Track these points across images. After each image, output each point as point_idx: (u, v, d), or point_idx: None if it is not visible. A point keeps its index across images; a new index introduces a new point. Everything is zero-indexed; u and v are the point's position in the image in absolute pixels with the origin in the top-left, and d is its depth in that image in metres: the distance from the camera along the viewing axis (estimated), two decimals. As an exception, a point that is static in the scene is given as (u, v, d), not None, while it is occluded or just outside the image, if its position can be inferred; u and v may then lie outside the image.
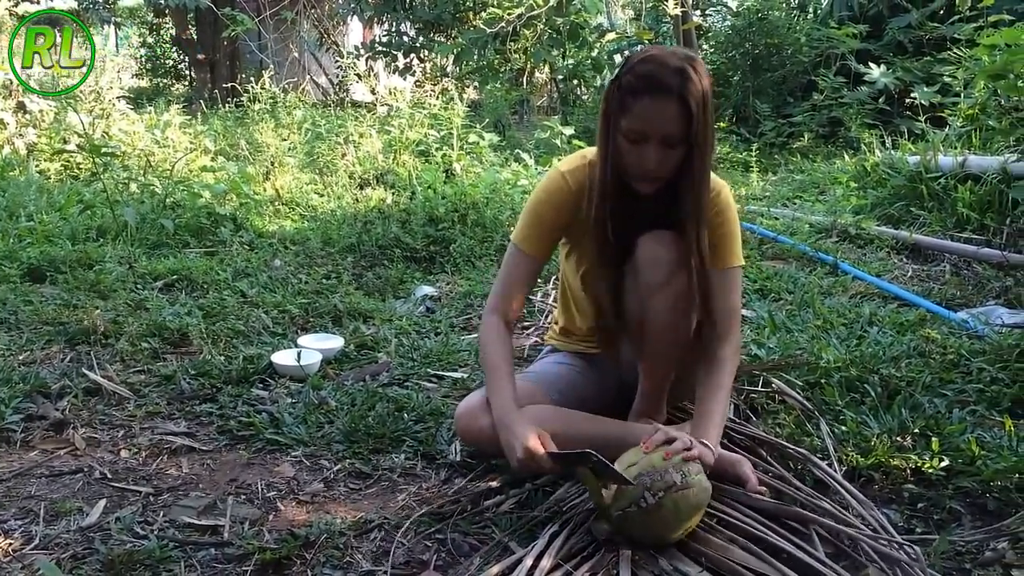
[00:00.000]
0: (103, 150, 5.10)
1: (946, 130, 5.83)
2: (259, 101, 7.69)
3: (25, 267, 3.81)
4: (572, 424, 1.96)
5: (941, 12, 8.20)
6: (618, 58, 10.95)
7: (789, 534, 1.67)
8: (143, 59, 17.50)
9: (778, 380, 2.46)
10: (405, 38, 11.83)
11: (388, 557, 1.69)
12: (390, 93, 8.05)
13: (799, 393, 2.39)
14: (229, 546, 1.71)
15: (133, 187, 5.28)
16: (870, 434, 2.11)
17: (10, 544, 1.71)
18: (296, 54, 12.01)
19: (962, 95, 5.95)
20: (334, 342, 2.94)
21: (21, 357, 2.81)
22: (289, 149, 6.62)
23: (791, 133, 8.58)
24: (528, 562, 1.56)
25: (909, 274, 3.98)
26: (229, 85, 10.43)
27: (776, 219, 5.19)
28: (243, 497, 1.96)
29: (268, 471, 2.09)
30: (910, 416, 2.20)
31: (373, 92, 8.52)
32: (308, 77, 12.45)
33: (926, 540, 1.73)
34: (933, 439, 2.04)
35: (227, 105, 8.95)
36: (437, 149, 6.39)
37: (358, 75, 9.60)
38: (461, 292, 3.69)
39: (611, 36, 10.27)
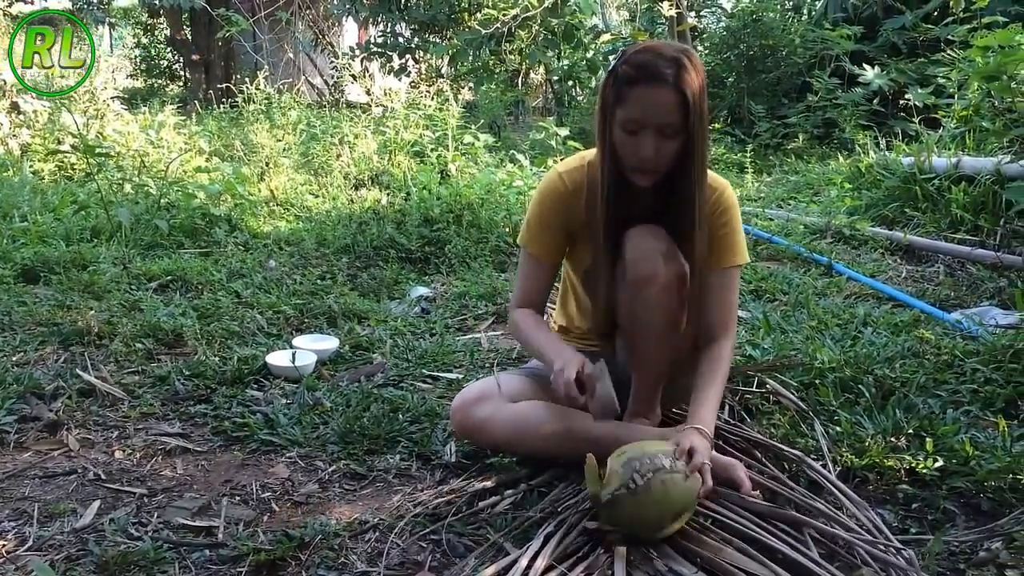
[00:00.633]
0: (97, 151, 5.09)
1: (940, 131, 5.85)
2: (254, 102, 7.69)
3: (19, 268, 3.80)
4: (568, 421, 1.96)
5: (935, 14, 8.23)
6: (613, 59, 10.95)
7: (783, 535, 1.67)
8: (137, 59, 17.46)
9: (773, 381, 2.46)
10: (400, 39, 11.83)
11: (383, 558, 1.69)
12: (385, 94, 8.04)
13: (793, 394, 2.39)
14: (223, 547, 1.71)
15: (127, 188, 5.28)
16: (864, 435, 2.11)
17: (4, 546, 1.71)
18: (291, 55, 12.00)
19: (956, 96, 5.97)
20: (329, 343, 2.93)
21: (15, 358, 2.81)
22: (284, 150, 6.61)
23: (786, 134, 8.59)
24: (523, 563, 1.56)
25: (903, 275, 3.99)
26: (224, 86, 10.41)
27: (771, 220, 5.20)
28: (238, 498, 1.95)
29: (263, 472, 2.09)
30: (904, 417, 2.20)
31: (368, 93, 8.51)
32: (303, 78, 12.42)
33: (920, 540, 1.73)
34: (927, 439, 2.04)
35: (222, 106, 8.94)
36: (432, 150, 6.39)
37: (353, 76, 9.59)
38: (456, 293, 3.69)
39: (606, 37, 10.28)
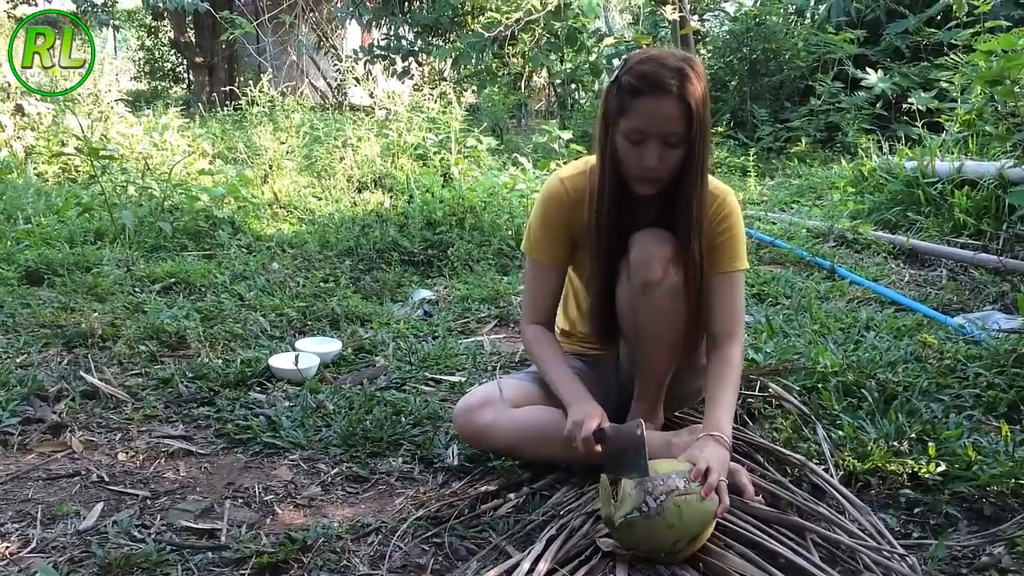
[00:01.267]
0: (101, 153, 5.10)
1: (943, 135, 5.85)
2: (257, 104, 7.69)
3: (23, 270, 3.81)
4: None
5: (938, 18, 8.23)
6: (616, 62, 10.96)
7: (786, 539, 1.67)
8: (141, 62, 17.51)
9: (775, 385, 2.46)
10: (403, 42, 11.84)
11: (385, 561, 1.70)
12: (388, 97, 8.05)
13: (796, 398, 2.39)
14: (226, 550, 1.71)
15: (131, 190, 5.29)
16: (867, 439, 2.11)
17: (7, 548, 1.71)
18: (294, 57, 12.02)
19: (959, 100, 5.97)
20: (332, 346, 2.94)
21: (18, 360, 2.81)
22: (287, 152, 6.62)
23: (788, 138, 8.60)
24: (525, 566, 1.56)
25: (906, 279, 3.99)
26: (227, 88, 10.44)
27: (773, 224, 5.20)
28: (240, 501, 1.96)
29: (265, 475, 2.09)
30: (907, 421, 2.20)
31: (371, 96, 8.52)
32: (306, 80, 12.46)
33: (922, 545, 1.74)
34: (930, 444, 2.04)
35: (225, 108, 8.95)
36: (435, 153, 6.40)
37: (356, 79, 9.60)
38: (459, 296, 3.69)
39: (609, 40, 10.27)
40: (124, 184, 5.38)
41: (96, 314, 3.19)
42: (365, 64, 11.68)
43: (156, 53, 17.58)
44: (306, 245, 4.47)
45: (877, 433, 2.15)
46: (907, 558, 1.61)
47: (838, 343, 2.87)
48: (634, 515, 1.59)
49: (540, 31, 9.54)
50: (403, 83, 11.21)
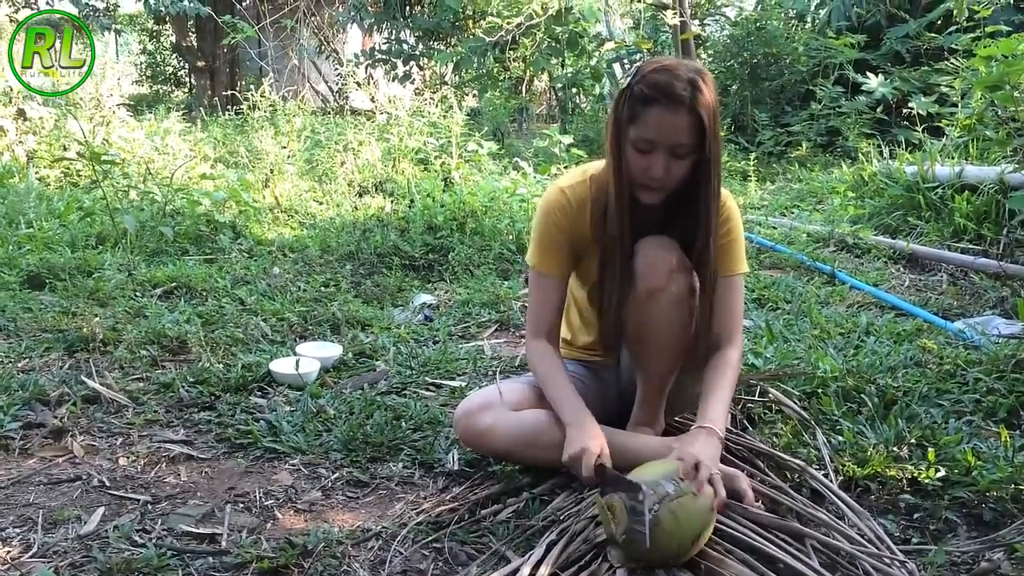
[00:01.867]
0: (103, 157, 5.11)
1: (943, 140, 5.85)
2: (259, 108, 7.71)
3: (24, 274, 3.82)
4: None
5: (939, 22, 8.24)
6: (617, 67, 10.98)
7: (785, 544, 1.67)
8: (143, 66, 17.54)
9: (775, 390, 2.47)
10: (405, 46, 11.86)
11: (385, 566, 1.70)
12: (389, 101, 8.06)
13: (796, 403, 2.39)
14: (227, 555, 1.72)
15: (133, 194, 5.30)
16: (867, 444, 2.11)
17: (8, 552, 1.72)
18: (296, 61, 12.04)
19: (959, 105, 5.97)
20: (332, 350, 2.94)
21: (20, 364, 2.82)
22: (288, 157, 6.64)
23: (789, 142, 8.61)
24: (525, 571, 1.57)
25: (906, 284, 4.00)
26: (229, 92, 10.47)
27: (774, 228, 5.21)
28: (241, 505, 1.96)
29: (266, 479, 2.10)
30: (907, 426, 2.20)
31: (372, 100, 8.54)
32: (308, 85, 12.49)
33: (922, 551, 1.74)
34: (929, 449, 2.04)
35: (227, 112, 8.97)
36: (436, 157, 6.41)
37: (357, 83, 9.62)
38: (459, 300, 3.70)
39: (610, 45, 10.30)
40: (126, 188, 5.39)
41: (97, 318, 3.20)
42: (366, 68, 11.71)
43: (158, 57, 17.60)
44: (307, 249, 4.48)
45: (877, 438, 2.15)
46: (906, 564, 1.61)
47: (838, 348, 2.88)
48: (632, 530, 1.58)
49: (541, 35, 9.56)
50: (404, 87, 11.24)
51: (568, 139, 7.18)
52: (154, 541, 1.76)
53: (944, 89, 6.56)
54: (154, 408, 2.49)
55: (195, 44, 14.19)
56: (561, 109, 11.04)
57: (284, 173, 6.20)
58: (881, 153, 6.49)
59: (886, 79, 8.17)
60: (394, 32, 12.08)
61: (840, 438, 2.17)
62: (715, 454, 1.76)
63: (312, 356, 2.83)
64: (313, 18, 12.38)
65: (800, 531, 1.72)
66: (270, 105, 7.78)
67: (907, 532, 1.83)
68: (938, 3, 8.23)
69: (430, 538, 1.80)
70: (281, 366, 2.73)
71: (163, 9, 11.70)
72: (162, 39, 17.32)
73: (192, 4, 11.72)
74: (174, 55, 16.63)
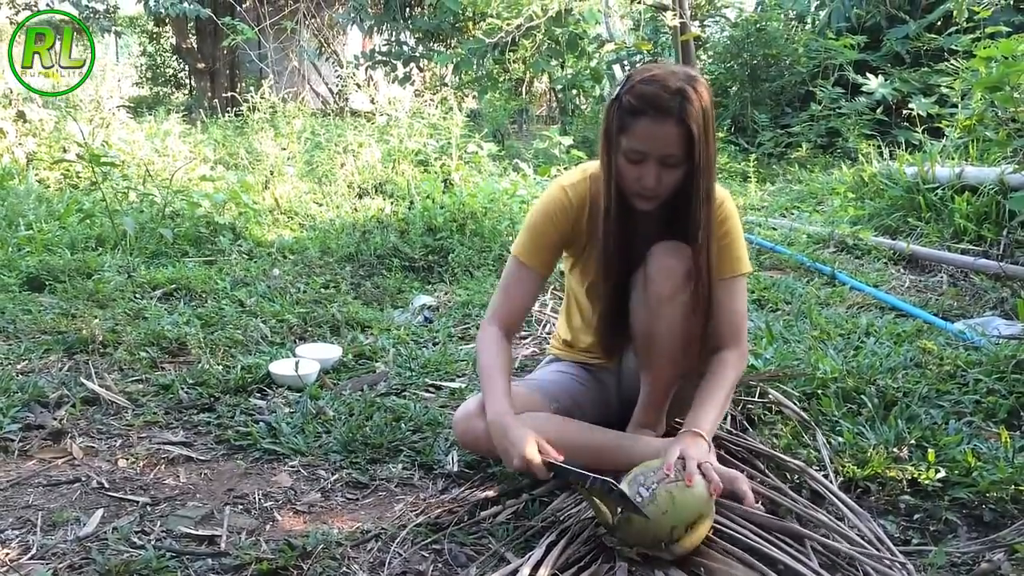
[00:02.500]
0: (103, 159, 5.11)
1: (943, 141, 5.85)
2: (258, 110, 7.71)
3: (24, 276, 3.82)
4: (569, 433, 1.96)
5: (939, 23, 8.24)
6: (617, 68, 10.98)
7: (785, 545, 1.67)
8: (143, 68, 17.54)
9: (775, 391, 2.46)
10: (405, 48, 11.86)
11: (385, 567, 1.70)
12: (389, 103, 8.07)
13: (796, 404, 2.39)
14: (226, 556, 1.72)
15: (132, 196, 5.30)
16: (867, 445, 2.11)
17: (7, 554, 1.72)
18: (296, 63, 12.04)
19: (959, 106, 5.97)
20: (332, 352, 2.94)
21: (19, 366, 2.82)
22: (288, 158, 6.64)
23: (789, 143, 8.61)
24: (525, 572, 1.57)
25: (906, 285, 3.99)
26: (229, 94, 10.46)
27: (774, 229, 5.21)
28: (240, 507, 1.96)
29: (266, 481, 2.09)
30: (907, 427, 2.20)
31: (372, 101, 8.54)
32: (308, 86, 12.48)
33: (922, 552, 1.74)
34: (929, 450, 2.04)
35: (227, 114, 8.97)
36: (436, 159, 6.41)
37: (357, 84, 9.62)
38: (459, 302, 3.70)
39: (610, 46, 10.30)
40: (125, 190, 5.38)
41: (97, 320, 3.20)
42: (366, 70, 11.70)
43: (158, 59, 17.61)
44: (307, 251, 4.48)
45: (877, 439, 2.15)
46: (906, 565, 1.61)
47: (838, 349, 2.87)
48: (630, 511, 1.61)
49: (541, 37, 9.56)
50: (404, 89, 11.24)
51: (568, 140, 7.19)
52: (153, 543, 1.76)
53: (944, 90, 6.57)
54: (153, 410, 2.49)
55: (195, 46, 14.19)
56: (561, 110, 11.04)
57: (284, 175, 6.20)
58: (881, 154, 6.49)
59: (886, 80, 8.17)
60: (394, 34, 12.08)
61: (840, 439, 2.17)
62: (701, 452, 1.75)
63: (312, 358, 2.83)
64: (313, 20, 12.38)
65: (800, 532, 1.72)
66: (270, 107, 7.79)
67: (907, 533, 1.83)
68: (938, 4, 8.24)
69: (429, 539, 1.80)
70: (281, 368, 2.73)
71: (163, 11, 11.72)
72: (162, 41, 17.33)
73: (192, 6, 11.73)
74: (174, 57, 16.63)
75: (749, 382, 2.51)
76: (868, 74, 8.27)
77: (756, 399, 2.47)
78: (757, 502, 1.83)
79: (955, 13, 7.06)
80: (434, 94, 8.68)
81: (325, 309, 3.47)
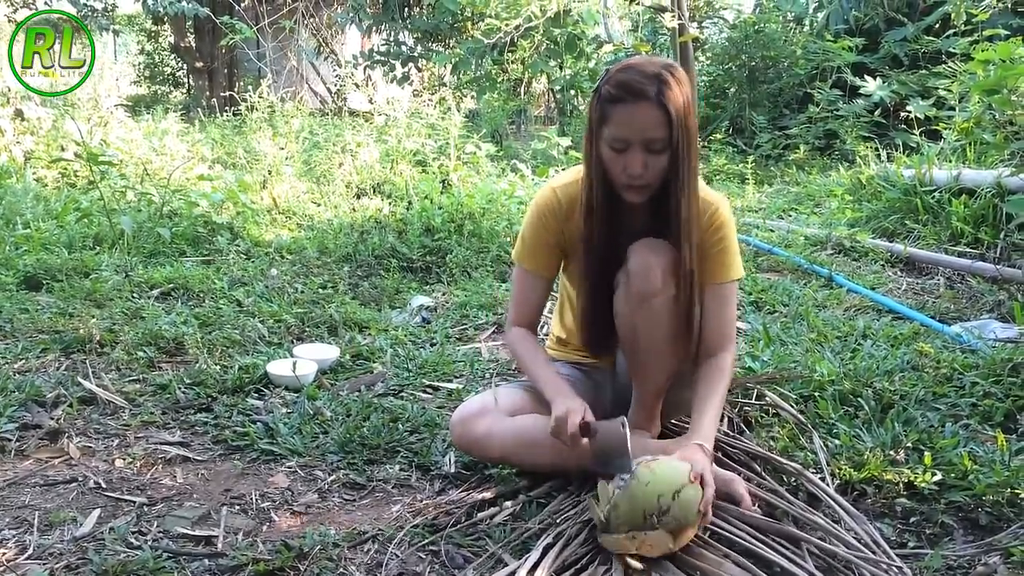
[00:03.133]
0: (100, 158, 5.10)
1: (941, 144, 5.87)
2: (257, 109, 7.71)
3: (21, 275, 3.81)
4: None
5: (937, 26, 8.26)
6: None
7: (782, 548, 1.67)
8: (141, 66, 17.53)
9: (772, 393, 2.47)
10: (403, 47, 11.85)
11: (382, 569, 1.70)
12: (388, 102, 8.06)
13: (793, 406, 2.39)
14: (223, 557, 1.72)
15: (130, 195, 5.29)
16: (863, 448, 2.12)
17: (4, 554, 1.71)
18: (294, 63, 12.04)
19: (957, 109, 5.98)
20: (330, 352, 2.94)
21: (16, 365, 2.81)
22: (286, 158, 6.63)
23: (787, 145, 8.62)
24: (522, 574, 1.57)
25: (903, 287, 4.00)
26: (227, 93, 10.46)
27: (771, 231, 5.21)
28: (237, 507, 1.96)
29: (262, 481, 2.09)
30: (903, 430, 2.20)
31: (371, 101, 8.54)
32: (306, 86, 12.48)
33: (918, 554, 1.74)
34: (926, 453, 2.05)
35: (225, 113, 8.97)
36: (434, 159, 6.41)
37: (356, 84, 9.62)
38: (457, 303, 3.70)
39: (608, 47, 10.30)
40: (123, 189, 5.38)
41: (94, 320, 3.20)
42: (365, 69, 11.70)
43: (156, 58, 17.60)
44: (304, 251, 4.48)
45: (873, 442, 2.15)
46: (903, 568, 1.61)
47: (835, 351, 2.88)
48: (616, 493, 1.64)
49: (540, 38, 9.55)
50: (402, 89, 11.24)
51: (566, 141, 7.18)
52: (150, 543, 1.76)
53: (942, 93, 6.58)
54: (150, 410, 2.49)
55: (193, 45, 14.18)
56: (559, 111, 11.04)
57: (282, 174, 6.19)
58: (879, 156, 6.50)
59: (884, 82, 8.19)
60: (392, 33, 12.07)
61: (837, 442, 2.17)
62: (709, 471, 1.76)
63: (309, 358, 2.83)
64: (312, 19, 12.38)
65: (796, 535, 1.72)
66: (268, 106, 7.78)
67: (903, 536, 1.83)
68: (936, 7, 8.25)
69: (426, 541, 1.80)
70: (278, 368, 2.73)
71: (161, 10, 11.70)
72: (160, 40, 17.32)
73: (190, 5, 11.71)
74: (172, 56, 16.62)
75: (746, 384, 2.52)
76: (866, 76, 8.28)
77: (753, 401, 2.47)
78: (754, 504, 1.84)
79: (953, 16, 7.06)
80: (432, 94, 8.68)
81: (323, 309, 3.46)
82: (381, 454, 2.21)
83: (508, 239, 4.51)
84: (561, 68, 10.43)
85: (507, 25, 9.16)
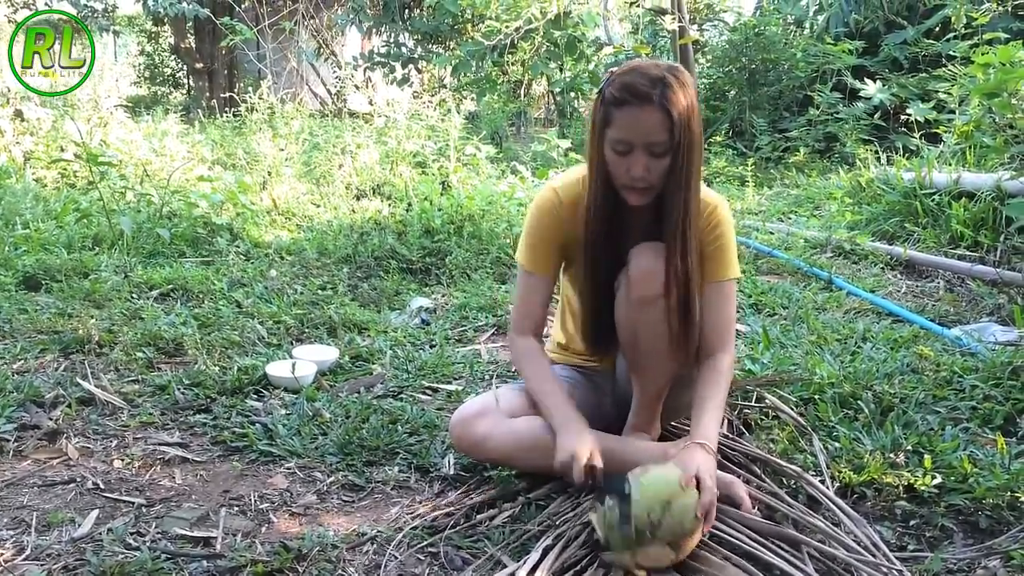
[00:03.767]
0: (100, 159, 5.10)
1: (941, 147, 5.87)
2: (257, 111, 7.70)
3: (20, 275, 3.81)
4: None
5: (937, 29, 8.27)
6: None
7: (782, 551, 1.67)
8: (141, 67, 17.53)
9: (772, 396, 2.46)
10: (403, 49, 11.87)
11: (380, 570, 1.69)
12: (387, 104, 8.06)
13: (792, 409, 2.39)
14: (221, 558, 1.71)
15: (130, 196, 5.29)
16: (863, 451, 2.11)
17: (2, 555, 1.71)
18: (294, 64, 12.04)
19: (957, 112, 5.99)
20: (329, 353, 2.94)
21: (15, 366, 2.81)
22: (286, 159, 6.63)
23: (787, 148, 8.62)
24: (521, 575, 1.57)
25: (903, 290, 4.00)
26: (227, 94, 10.46)
27: (771, 234, 5.21)
28: (236, 509, 1.95)
29: (261, 483, 2.09)
30: (903, 433, 2.20)
31: (371, 103, 8.54)
32: (306, 87, 12.48)
33: (918, 557, 1.74)
34: (926, 456, 2.04)
35: (225, 114, 8.97)
36: (434, 160, 6.41)
37: (356, 86, 9.62)
38: (456, 304, 3.69)
39: (608, 50, 10.31)
40: (123, 190, 5.38)
41: (93, 320, 3.19)
42: (365, 71, 11.71)
43: (156, 59, 17.59)
44: (304, 252, 4.47)
45: (873, 445, 2.15)
46: (903, 572, 1.61)
47: (835, 354, 2.88)
48: (607, 516, 1.63)
49: (540, 40, 9.56)
50: (402, 90, 11.25)
51: (566, 143, 7.18)
52: (148, 544, 1.76)
53: (942, 96, 6.58)
54: (149, 410, 2.48)
55: (193, 46, 14.17)
56: (559, 113, 11.05)
57: (282, 176, 6.19)
58: (879, 159, 6.50)
59: (884, 85, 8.19)
60: (393, 35, 12.08)
61: (837, 444, 2.17)
62: (713, 471, 1.76)
63: (308, 359, 2.82)
64: (312, 21, 12.39)
65: (796, 538, 1.72)
66: (268, 107, 7.78)
67: (903, 539, 1.83)
68: (936, 10, 8.26)
69: (425, 543, 1.79)
70: (277, 369, 2.72)
71: (162, 11, 11.71)
72: (160, 41, 17.32)
73: (191, 6, 11.72)
74: (172, 57, 16.62)
75: (746, 387, 2.51)
76: (866, 79, 8.29)
77: (753, 404, 2.46)
78: (754, 507, 1.84)
79: (953, 19, 7.06)
80: (432, 96, 8.68)
81: (322, 311, 3.46)
82: (380, 456, 2.21)
83: (508, 241, 4.51)
84: (561, 70, 10.44)
85: (507, 27, 9.16)
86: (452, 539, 1.80)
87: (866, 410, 2.35)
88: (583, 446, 1.81)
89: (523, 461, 2.01)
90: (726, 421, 2.34)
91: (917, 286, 4.08)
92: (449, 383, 2.77)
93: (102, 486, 2.04)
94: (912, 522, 1.88)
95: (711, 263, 1.96)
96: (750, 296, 3.77)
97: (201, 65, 14.07)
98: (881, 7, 9.03)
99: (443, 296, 3.91)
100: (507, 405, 2.04)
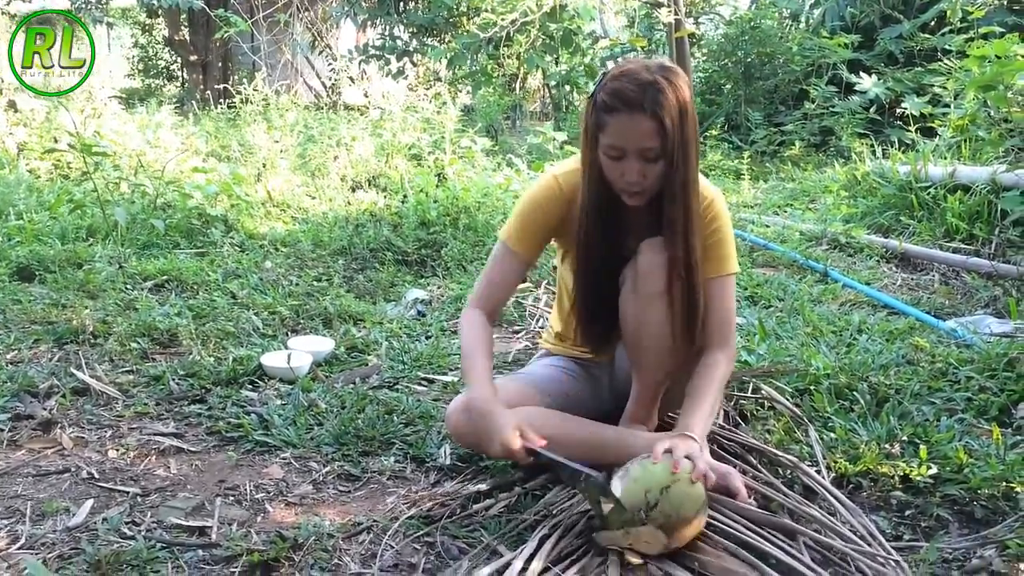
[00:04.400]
0: (94, 150, 5.08)
1: (936, 140, 5.87)
2: (251, 103, 7.68)
3: (14, 266, 3.80)
4: (562, 427, 1.95)
5: (932, 23, 8.27)
6: (611, 65, 10.97)
7: (778, 540, 1.67)
8: (135, 59, 17.45)
9: (768, 387, 2.47)
10: (398, 42, 11.83)
11: (376, 560, 1.69)
12: (383, 97, 8.04)
13: (789, 400, 2.40)
14: (217, 547, 1.71)
15: (124, 187, 5.27)
16: (859, 441, 2.12)
17: (-4, 544, 1.70)
18: (289, 56, 12.00)
19: (952, 106, 5.99)
20: (324, 344, 2.93)
21: (9, 356, 2.80)
22: (281, 151, 6.61)
23: (782, 141, 8.63)
24: (517, 565, 1.56)
25: (899, 283, 4.00)
26: (221, 87, 10.42)
27: (767, 227, 5.21)
28: (231, 498, 1.95)
29: (257, 472, 2.08)
30: (899, 424, 2.20)
31: (366, 95, 8.52)
32: (300, 79, 12.44)
33: (914, 547, 1.74)
34: (921, 447, 2.05)
35: (219, 106, 8.94)
36: (429, 153, 6.39)
37: (351, 78, 9.59)
38: (452, 296, 3.69)
39: (604, 43, 10.31)
40: (117, 181, 5.35)
41: (88, 311, 3.18)
42: (360, 64, 11.68)
43: (150, 51, 17.50)
44: (299, 244, 4.46)
45: (869, 435, 2.15)
46: (899, 562, 1.61)
47: (830, 346, 2.88)
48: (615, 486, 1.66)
49: (536, 33, 9.55)
50: (398, 83, 11.22)
51: (562, 136, 7.17)
52: (143, 533, 1.75)
53: (937, 90, 6.59)
54: (144, 401, 2.48)
55: (188, 38, 14.11)
56: (555, 106, 11.04)
57: (277, 167, 6.18)
58: (874, 153, 6.50)
59: (879, 79, 8.19)
60: (388, 27, 12.04)
61: (832, 435, 2.17)
62: (690, 448, 1.72)
63: (304, 350, 2.82)
64: (306, 13, 12.35)
65: (792, 528, 1.72)
66: (263, 99, 7.76)
67: (899, 529, 1.83)
68: (931, 4, 8.26)
69: (421, 532, 1.79)
70: (273, 360, 2.72)
71: (156, 3, 11.65)
72: (154, 33, 17.23)
73: (185, -2, 11.67)
74: (166, 49, 16.54)
75: (742, 378, 2.52)
76: (862, 73, 8.29)
77: (749, 395, 2.47)
78: (750, 497, 1.83)
79: (948, 13, 7.08)
80: (428, 89, 8.66)
81: (317, 302, 3.45)
82: (376, 446, 2.21)
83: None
84: (557, 63, 10.43)
85: (503, 20, 9.14)
86: (448, 529, 1.80)
87: (862, 401, 2.35)
88: (510, 430, 1.75)
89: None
90: (722, 412, 2.34)
91: (912, 279, 4.08)
92: (445, 374, 2.77)
93: (97, 476, 2.03)
94: (908, 512, 1.88)
95: (709, 258, 1.95)
96: (746, 289, 3.77)
97: (195, 57, 14.01)
98: (877, 1, 9.03)
99: (439, 288, 3.91)
100: (504, 395, 2.03)
